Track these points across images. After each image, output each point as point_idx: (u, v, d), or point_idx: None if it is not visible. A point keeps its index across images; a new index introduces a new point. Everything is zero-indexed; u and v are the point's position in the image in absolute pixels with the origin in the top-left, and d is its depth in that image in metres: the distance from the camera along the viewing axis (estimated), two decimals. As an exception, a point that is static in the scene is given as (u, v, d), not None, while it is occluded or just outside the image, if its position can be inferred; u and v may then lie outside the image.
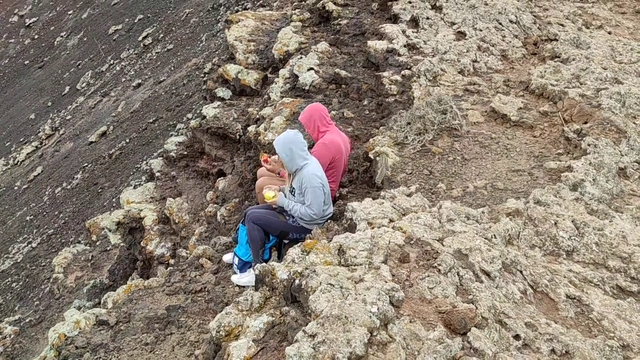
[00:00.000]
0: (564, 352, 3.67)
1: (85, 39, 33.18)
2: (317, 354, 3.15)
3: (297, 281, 3.82)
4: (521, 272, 4.36)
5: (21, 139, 27.80)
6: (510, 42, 8.72)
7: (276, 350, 3.50)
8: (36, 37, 37.38)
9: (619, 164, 5.87)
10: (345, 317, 3.35)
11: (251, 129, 8.28)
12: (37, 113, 29.21)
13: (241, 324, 3.88)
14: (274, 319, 3.77)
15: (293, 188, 5.70)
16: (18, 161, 25.93)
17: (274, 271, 4.13)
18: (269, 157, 6.32)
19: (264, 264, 4.35)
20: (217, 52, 21.47)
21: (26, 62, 35.37)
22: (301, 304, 3.72)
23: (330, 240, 4.42)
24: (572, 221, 5.00)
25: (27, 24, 39.20)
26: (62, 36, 35.28)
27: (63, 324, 5.51)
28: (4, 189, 24.38)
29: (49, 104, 29.31)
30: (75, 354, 5.08)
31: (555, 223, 4.98)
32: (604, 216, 5.19)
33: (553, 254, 4.79)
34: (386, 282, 3.74)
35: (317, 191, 5.51)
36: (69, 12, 37.53)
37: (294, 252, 4.31)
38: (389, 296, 3.59)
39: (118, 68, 28.12)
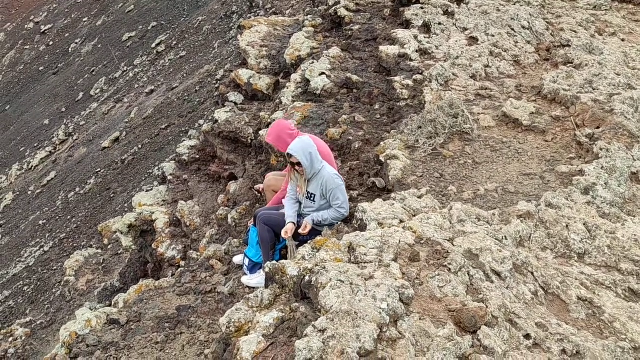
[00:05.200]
0: (574, 352, 3.65)
1: (99, 45, 33.56)
2: (327, 348, 3.16)
3: (307, 278, 3.83)
4: (532, 273, 4.35)
5: (35, 144, 28.09)
6: (523, 47, 8.71)
7: (286, 345, 3.50)
8: (51, 43, 37.84)
9: (631, 168, 5.84)
10: (355, 312, 3.36)
11: (263, 133, 8.32)
12: (51, 119, 29.53)
13: (251, 320, 3.89)
14: (283, 314, 3.78)
15: (311, 194, 5.63)
16: (32, 166, 26.19)
17: (284, 269, 4.14)
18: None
19: (274, 262, 4.36)
20: (229, 59, 21.63)
21: (41, 69, 35.81)
22: (311, 300, 3.73)
23: (341, 239, 4.43)
24: (584, 224, 4.98)
25: (42, 31, 39.70)
26: (76, 43, 35.69)
27: (74, 322, 5.54)
28: (18, 193, 24.62)
29: (63, 109, 29.62)
30: (86, 352, 5.11)
31: (567, 226, 4.95)
32: (616, 219, 5.16)
33: (565, 256, 4.77)
34: (396, 279, 3.74)
35: (343, 188, 5.56)
36: (84, 20, 37.97)
37: (304, 249, 4.32)
38: (399, 293, 3.59)
39: (131, 75, 28.40)
